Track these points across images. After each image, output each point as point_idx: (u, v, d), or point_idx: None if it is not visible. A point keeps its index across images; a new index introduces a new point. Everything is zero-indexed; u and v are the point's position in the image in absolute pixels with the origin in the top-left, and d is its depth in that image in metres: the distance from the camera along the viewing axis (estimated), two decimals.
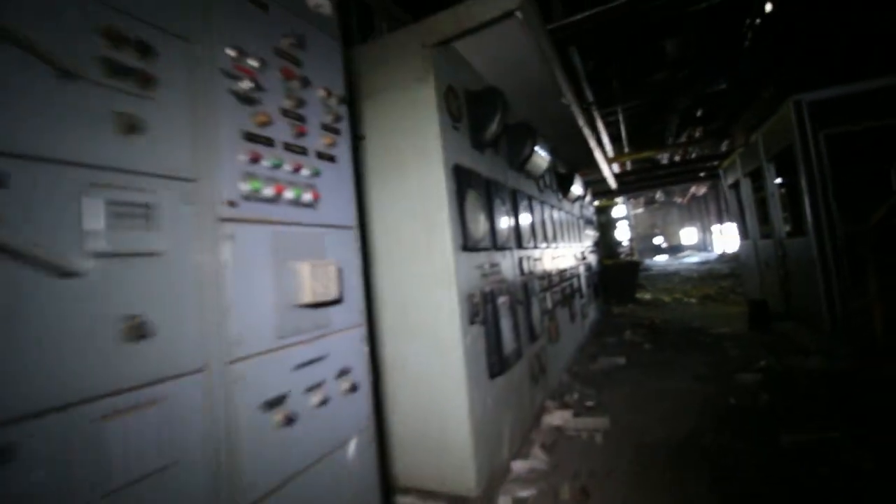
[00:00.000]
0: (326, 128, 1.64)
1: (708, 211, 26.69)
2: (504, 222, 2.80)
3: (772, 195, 5.48)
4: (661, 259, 23.93)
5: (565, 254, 4.71)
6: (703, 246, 27.35)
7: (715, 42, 8.29)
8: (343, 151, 1.71)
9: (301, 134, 1.49)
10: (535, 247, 3.49)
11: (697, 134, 14.91)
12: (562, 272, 4.37)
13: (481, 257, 2.36)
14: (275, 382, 1.26)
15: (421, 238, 2.09)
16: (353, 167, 1.76)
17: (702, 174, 15.16)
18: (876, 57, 4.63)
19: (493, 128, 2.44)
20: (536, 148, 3.33)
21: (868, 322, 3.68)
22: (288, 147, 1.44)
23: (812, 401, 2.94)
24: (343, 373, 1.54)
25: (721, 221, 24.36)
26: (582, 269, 5.55)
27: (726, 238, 23.47)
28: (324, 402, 1.41)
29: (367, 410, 1.66)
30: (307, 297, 1.36)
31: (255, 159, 1.29)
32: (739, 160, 6.58)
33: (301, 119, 1.52)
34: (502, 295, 2.45)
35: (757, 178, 6.56)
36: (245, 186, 1.23)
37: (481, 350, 2.20)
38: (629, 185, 13.21)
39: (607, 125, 10.85)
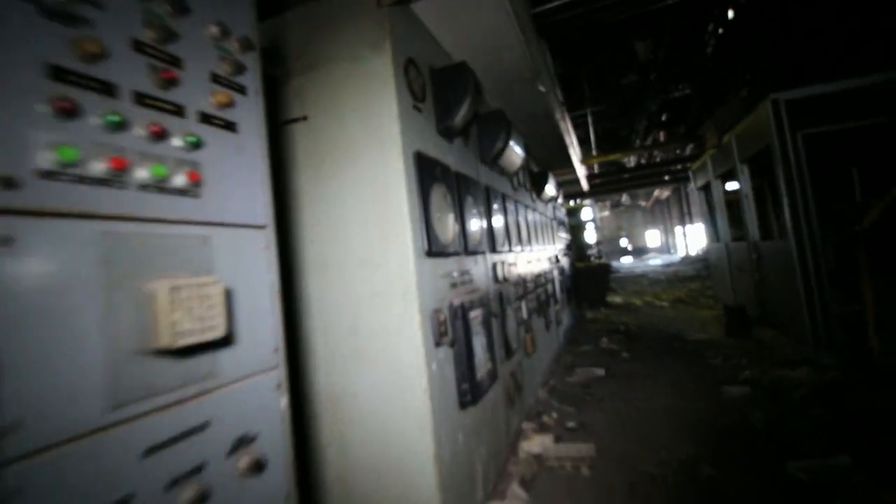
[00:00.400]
0: (220, 81, 1.12)
1: (670, 214, 27.35)
2: (476, 223, 2.43)
3: (745, 197, 5.37)
4: (626, 261, 24.29)
5: (540, 257, 4.41)
6: (666, 248, 28.01)
7: (684, 43, 8.27)
8: (249, 118, 1.20)
9: (169, 82, 1.00)
10: (510, 250, 3.14)
11: (662, 138, 15.14)
12: (537, 277, 4.05)
13: (450, 264, 1.98)
14: (101, 486, 0.77)
15: (375, 243, 1.69)
16: (267, 144, 1.28)
17: (666, 177, 15.41)
18: (859, 55, 4.55)
19: (463, 111, 2.07)
20: (511, 142, 3.00)
21: (854, 329, 3.52)
22: (143, 100, 0.94)
23: (809, 419, 2.70)
24: (240, 444, 1.05)
25: (683, 224, 24.98)
26: (556, 274, 5.27)
27: (689, 240, 24.08)
28: (201, 501, 0.92)
29: (284, 492, 1.17)
30: (164, 339, 0.86)
31: (69, 112, 0.79)
32: (711, 162, 6.49)
33: (173, 61, 1.02)
34: (475, 308, 2.08)
35: (728, 180, 6.48)
36: (47, 156, 0.75)
37: (450, 377, 1.81)
38: (599, 187, 13.21)
39: (576, 127, 10.74)
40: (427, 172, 1.82)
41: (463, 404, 1.85)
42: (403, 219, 1.65)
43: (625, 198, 26.59)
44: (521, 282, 3.40)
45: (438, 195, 1.93)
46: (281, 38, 1.88)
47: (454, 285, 1.99)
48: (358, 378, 1.70)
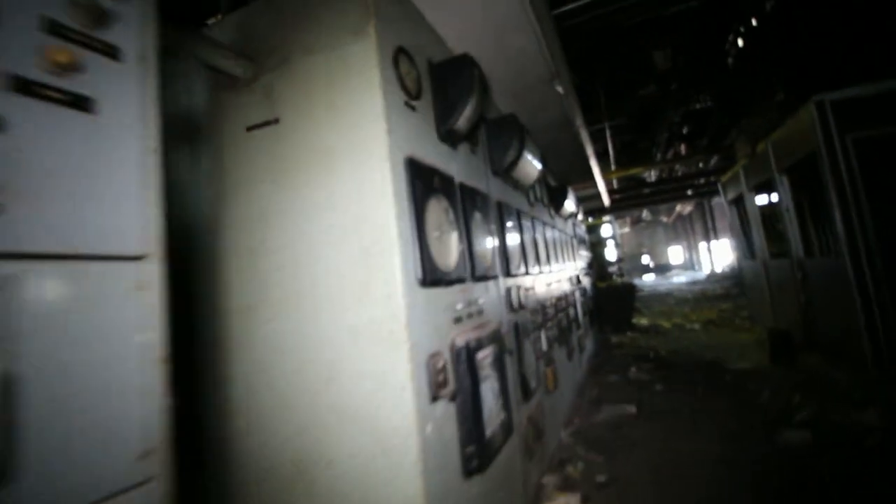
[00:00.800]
0: (64, 33, 0.75)
1: (694, 230, 26.52)
2: (486, 243, 2.08)
3: (787, 210, 4.89)
4: (649, 278, 23.49)
5: (560, 278, 4.01)
6: (690, 265, 27.07)
7: (705, 50, 7.91)
8: (122, 95, 0.83)
9: None
10: (527, 272, 2.77)
11: (684, 151, 14.64)
12: (557, 301, 3.65)
13: (452, 294, 1.63)
14: None
15: (355, 269, 1.35)
16: (159, 134, 0.89)
17: (689, 192, 14.86)
18: None
19: (468, 111, 1.74)
20: (526, 151, 2.66)
21: None
22: None
23: (890, 476, 2.23)
24: None
25: (708, 240, 24.14)
26: (578, 295, 4.86)
27: (715, 257, 23.20)
28: None
29: None
30: None
31: None
32: (743, 173, 6.03)
33: None
34: (485, 346, 1.71)
35: (762, 192, 6.01)
36: None
37: (451, 438, 1.44)
38: (619, 202, 12.75)
39: (593, 141, 10.38)
40: (423, 182, 1.48)
41: (468, 472, 1.47)
42: (389, 239, 1.31)
43: (645, 213, 25.92)
44: (541, 308, 3.01)
45: (437, 210, 1.59)
46: (248, 31, 1.60)
47: (458, 320, 1.64)
48: (336, 440, 1.35)
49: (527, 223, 2.99)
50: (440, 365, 1.38)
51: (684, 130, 13.57)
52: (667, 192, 16.64)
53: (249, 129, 1.54)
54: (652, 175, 17.48)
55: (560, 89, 2.62)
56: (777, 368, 4.32)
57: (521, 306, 2.51)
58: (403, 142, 1.44)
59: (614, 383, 4.41)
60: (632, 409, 3.54)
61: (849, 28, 4.59)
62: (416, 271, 1.39)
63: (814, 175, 4.10)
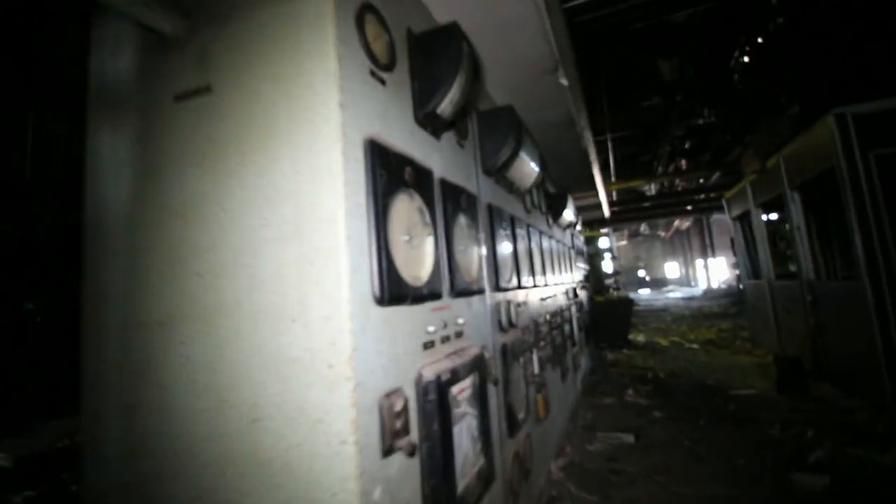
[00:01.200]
0: None
1: (691, 245, 26.36)
2: (472, 251, 1.78)
3: (797, 229, 4.62)
4: (644, 293, 23.23)
5: (556, 292, 3.71)
6: (685, 281, 26.86)
7: (713, 60, 7.69)
8: None
9: None
10: (519, 286, 2.47)
11: (685, 165, 14.47)
12: (552, 317, 3.35)
13: (423, 313, 1.32)
14: None
15: (290, 282, 1.04)
16: None
17: (689, 207, 14.67)
18: None
19: (454, 93, 1.45)
20: (523, 150, 2.37)
21: None
22: None
23: None
24: None
25: (705, 256, 23.96)
26: (574, 310, 4.56)
27: (711, 274, 23.00)
28: None
29: None
30: None
31: None
32: (750, 189, 5.77)
33: None
34: (463, 377, 1.40)
35: (771, 210, 5.76)
36: None
37: (412, 499, 1.13)
38: (617, 215, 12.50)
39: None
40: (389, 173, 1.18)
41: None
42: (335, 242, 1.01)
43: (643, 227, 25.75)
44: (533, 325, 2.71)
45: (408, 209, 1.29)
46: None
47: (429, 345, 1.33)
48: (258, 500, 1.03)
49: (521, 231, 2.69)
50: (398, 407, 1.07)
51: (686, 145, 13.39)
52: (666, 207, 16.47)
53: (178, 98, 1.24)
54: (652, 189, 17.30)
55: (564, 81, 2.34)
56: (785, 398, 4.02)
57: (512, 325, 2.20)
58: (364, 120, 1.14)
59: (610, 406, 4.10)
60: (629, 438, 3.23)
61: (866, 41, 4.35)
62: (373, 285, 1.08)
63: (829, 192, 3.83)
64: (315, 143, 1.05)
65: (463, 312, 1.63)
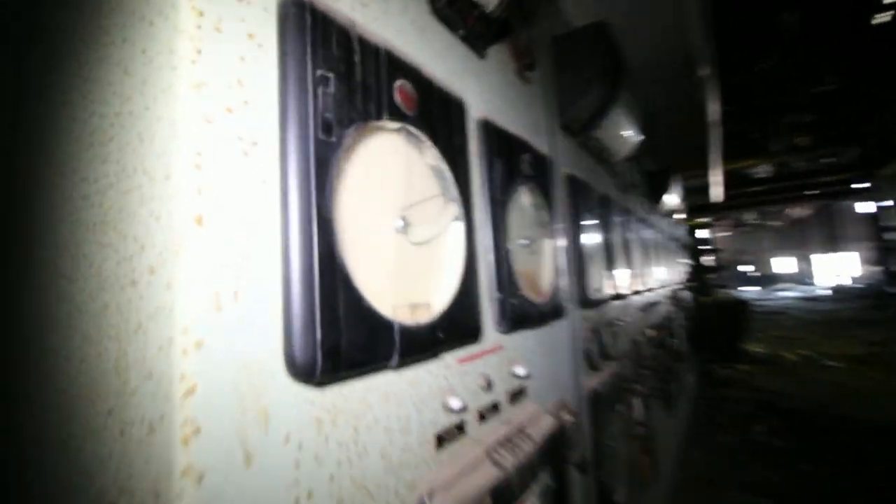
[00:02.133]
0: None
1: (810, 237, 22.73)
2: (540, 249, 1.08)
3: None
4: (749, 290, 20.38)
5: (660, 297, 2.85)
6: (801, 278, 23.22)
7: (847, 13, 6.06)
8: None
9: None
10: (617, 295, 1.71)
11: (806, 143, 12.22)
12: (657, 332, 2.52)
13: (430, 377, 0.66)
14: None
15: (106, 331, 0.43)
16: None
17: (814, 192, 12.54)
18: None
19: None
20: (620, 103, 1.61)
21: None
22: None
23: None
24: None
25: (830, 249, 20.52)
26: (679, 317, 3.62)
27: (839, 269, 19.65)
28: None
29: None
30: None
31: None
32: None
33: None
34: (520, 492, 0.73)
35: None
36: None
37: None
38: (723, 201, 10.82)
39: None
40: (339, 62, 0.53)
41: None
42: (185, 242, 0.38)
43: (750, 216, 22.66)
44: (633, 350, 1.93)
45: (405, 158, 0.63)
46: None
47: (446, 440, 0.66)
48: None
49: (616, 217, 1.91)
50: None
51: (808, 119, 11.22)
52: (780, 192, 14.40)
53: None
54: (763, 171, 14.94)
55: None
56: None
57: (607, 356, 1.47)
58: None
59: (730, 447, 3.14)
60: None
61: None
62: (284, 349, 0.44)
63: None
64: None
65: (524, 354, 0.94)
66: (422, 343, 0.60)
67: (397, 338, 0.55)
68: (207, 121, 0.41)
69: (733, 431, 3.40)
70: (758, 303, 14.41)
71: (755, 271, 24.12)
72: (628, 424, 1.65)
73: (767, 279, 23.76)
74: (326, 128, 0.50)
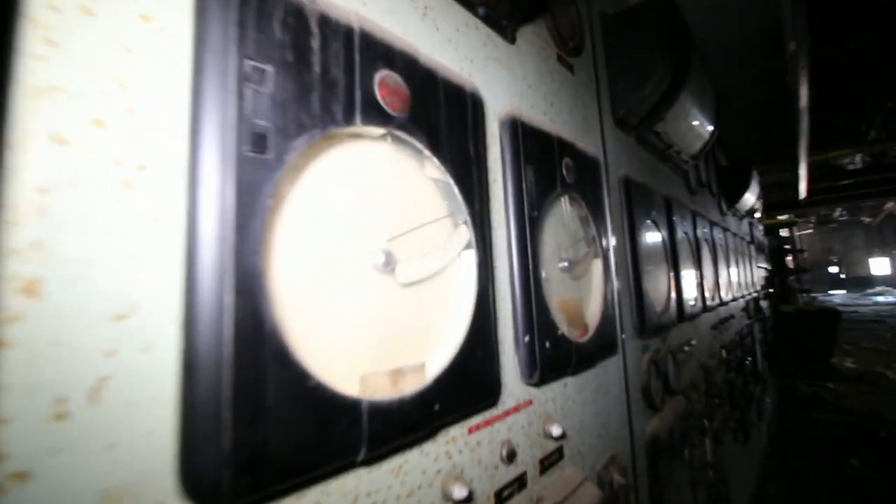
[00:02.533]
0: None
1: None
2: (586, 271, 0.89)
3: None
4: (837, 294, 18.35)
5: (734, 311, 2.51)
6: None
7: None
8: None
9: None
10: (682, 317, 1.46)
11: None
12: (730, 352, 2.21)
13: (422, 456, 0.50)
14: None
15: None
16: None
17: None
18: None
19: None
20: (689, 90, 1.37)
21: None
22: None
23: None
24: None
25: None
26: (757, 331, 3.21)
27: None
28: None
29: None
30: None
31: None
32: None
33: None
34: None
35: None
36: None
37: None
38: (807, 196, 9.75)
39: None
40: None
41: None
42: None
43: (838, 212, 20.41)
44: (702, 376, 1.67)
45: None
46: None
47: None
48: None
49: (684, 224, 1.65)
50: None
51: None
52: (875, 185, 12.90)
53: None
54: (857, 161, 13.33)
55: None
56: None
57: (670, 391, 1.24)
58: None
59: (819, 482, 2.73)
60: None
61: None
62: (180, 463, 0.31)
63: None
64: None
65: (562, 406, 0.76)
66: (406, 422, 0.45)
67: (365, 421, 0.40)
68: (60, 141, 0.28)
69: (820, 461, 2.96)
70: (848, 309, 12.93)
71: (843, 273, 21.71)
72: (696, 471, 1.41)
73: (859, 282, 21.29)
74: (257, 140, 0.35)
